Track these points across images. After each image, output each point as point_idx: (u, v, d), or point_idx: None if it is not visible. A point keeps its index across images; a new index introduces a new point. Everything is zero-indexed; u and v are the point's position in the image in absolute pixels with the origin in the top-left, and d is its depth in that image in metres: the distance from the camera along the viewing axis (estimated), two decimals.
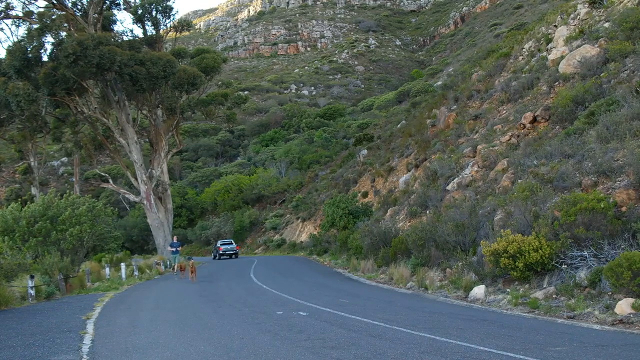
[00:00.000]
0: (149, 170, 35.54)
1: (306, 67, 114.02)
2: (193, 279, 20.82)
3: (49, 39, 30.93)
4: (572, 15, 23.24)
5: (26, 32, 31.33)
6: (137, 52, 31.82)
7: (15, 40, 31.88)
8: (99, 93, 34.67)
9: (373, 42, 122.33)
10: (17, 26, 36.75)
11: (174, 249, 25.93)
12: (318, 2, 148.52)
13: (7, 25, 40.00)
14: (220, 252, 39.82)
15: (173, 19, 35.93)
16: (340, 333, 8.59)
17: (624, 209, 10.68)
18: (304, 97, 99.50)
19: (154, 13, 34.42)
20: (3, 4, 31.95)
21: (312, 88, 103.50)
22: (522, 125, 19.35)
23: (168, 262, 28.96)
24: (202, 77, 35.14)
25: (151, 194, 34.70)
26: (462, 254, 14.15)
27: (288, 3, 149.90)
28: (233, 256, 39.84)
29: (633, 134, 12.49)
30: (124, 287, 19.74)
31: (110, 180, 38.38)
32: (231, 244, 41.14)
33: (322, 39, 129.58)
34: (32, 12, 32.63)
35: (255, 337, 8.50)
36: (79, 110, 33.39)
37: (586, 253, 10.33)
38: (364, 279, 19.03)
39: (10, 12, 32.75)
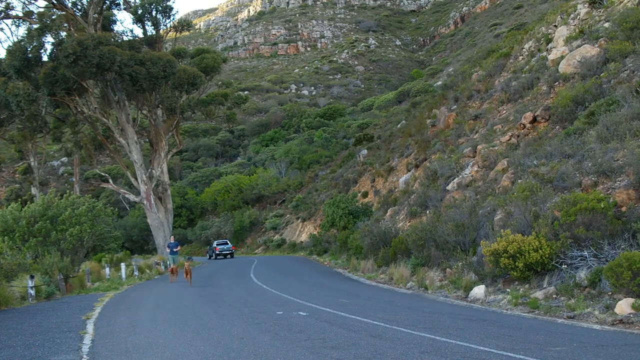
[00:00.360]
0: (149, 170, 35.55)
1: (306, 67, 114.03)
2: (189, 281, 18.89)
3: (49, 39, 31.02)
4: (572, 15, 23.24)
5: (26, 32, 31.38)
6: (137, 52, 31.86)
7: (15, 40, 31.97)
8: (99, 93, 34.69)
9: (373, 42, 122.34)
10: (17, 26, 36.83)
11: (171, 249, 25.26)
12: (318, 2, 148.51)
13: (7, 25, 40.07)
14: (217, 252, 40.34)
15: (173, 19, 36.00)
16: (340, 333, 8.59)
17: (624, 209, 10.68)
18: (304, 97, 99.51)
19: (154, 13, 34.47)
20: (3, 4, 32.01)
21: (312, 88, 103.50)
22: (522, 125, 19.35)
23: (168, 263, 28.89)
24: (202, 77, 35.17)
25: (151, 194, 34.71)
26: (462, 254, 14.15)
27: (288, 3, 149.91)
28: (228, 256, 40.31)
29: (633, 134, 12.49)
30: (124, 287, 19.73)
31: (110, 180, 38.41)
32: (227, 244, 41.79)
33: (322, 39, 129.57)
34: (32, 12, 32.68)
35: (255, 337, 8.50)
36: (79, 110, 33.41)
37: (586, 253, 10.33)
38: (364, 279, 19.04)
39: (10, 12, 32.82)
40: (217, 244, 41.55)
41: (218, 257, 40.13)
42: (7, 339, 9.10)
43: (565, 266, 10.57)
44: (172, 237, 28.46)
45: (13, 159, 57.38)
